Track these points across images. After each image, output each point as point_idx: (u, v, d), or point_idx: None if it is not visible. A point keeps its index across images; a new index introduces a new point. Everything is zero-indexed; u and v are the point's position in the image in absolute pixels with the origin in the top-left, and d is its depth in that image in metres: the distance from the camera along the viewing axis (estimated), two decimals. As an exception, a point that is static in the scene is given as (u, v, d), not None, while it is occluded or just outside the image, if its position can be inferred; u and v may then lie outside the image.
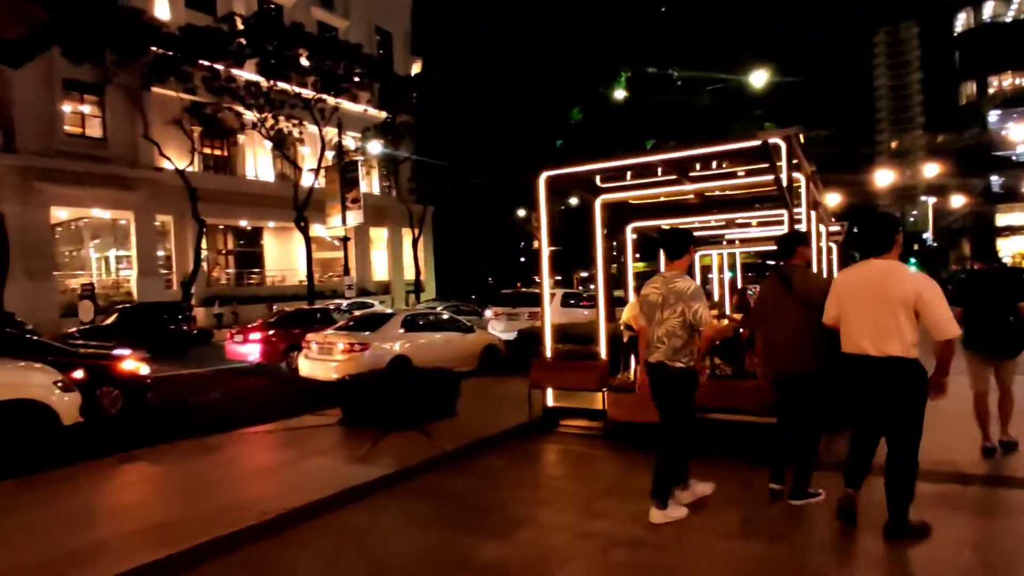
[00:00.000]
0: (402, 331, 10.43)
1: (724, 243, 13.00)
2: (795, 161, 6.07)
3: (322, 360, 9.99)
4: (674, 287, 3.97)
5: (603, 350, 7.14)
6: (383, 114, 30.20)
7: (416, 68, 39.72)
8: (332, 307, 16.33)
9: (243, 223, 31.24)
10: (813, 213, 7.57)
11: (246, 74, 24.60)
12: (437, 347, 10.78)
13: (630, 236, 8.59)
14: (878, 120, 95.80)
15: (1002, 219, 48.13)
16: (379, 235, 37.39)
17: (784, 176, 5.40)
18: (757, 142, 5.08)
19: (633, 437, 5.77)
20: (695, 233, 11.59)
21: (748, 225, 10.66)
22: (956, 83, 61.34)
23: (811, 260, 4.97)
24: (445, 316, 12.21)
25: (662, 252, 5.22)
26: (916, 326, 3.51)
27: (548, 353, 6.65)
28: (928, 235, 57.38)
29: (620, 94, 28.43)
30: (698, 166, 6.52)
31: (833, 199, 23.27)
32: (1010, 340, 4.87)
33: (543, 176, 6.49)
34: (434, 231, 39.96)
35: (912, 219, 75.63)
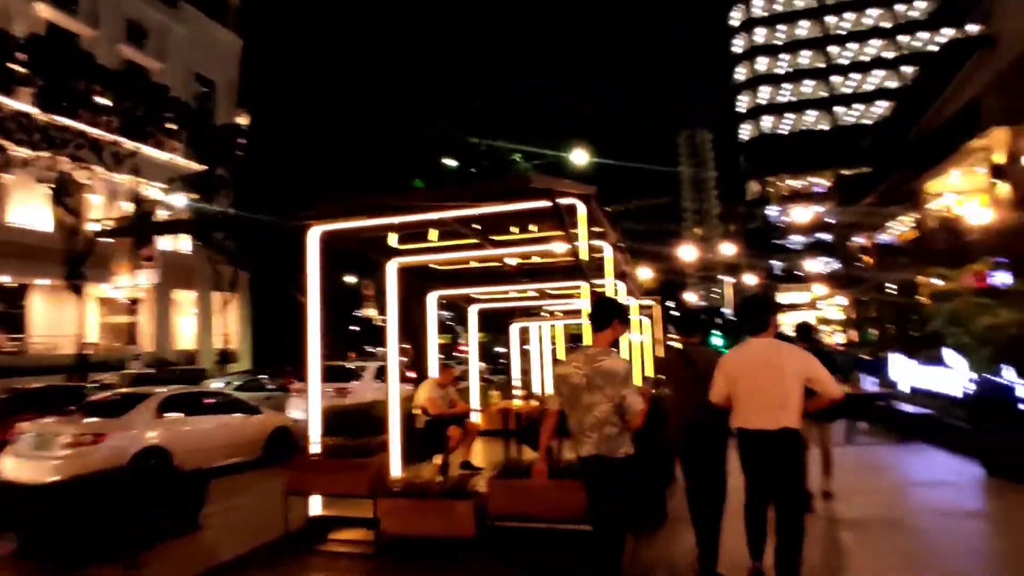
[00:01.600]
0: (158, 415, 8.41)
1: (547, 315, 12.69)
2: (598, 229, 5.65)
3: (36, 458, 7.61)
4: (600, 367, 3.35)
5: (396, 438, 6.03)
6: (194, 165, 27.33)
7: (243, 120, 37.14)
8: (99, 383, 13.32)
9: (4, 278, 25.81)
10: (621, 284, 7.31)
11: (17, 104, 20.83)
12: (207, 434, 8.89)
13: (432, 305, 7.70)
14: (684, 209, 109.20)
15: (783, 296, 55.59)
16: (187, 298, 33.15)
17: (582, 241, 4.85)
18: (548, 202, 4.43)
19: (417, 555, 4.66)
20: (513, 304, 11.21)
21: (573, 296, 10.35)
22: (743, 181, 71.70)
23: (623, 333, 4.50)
24: (222, 395, 10.27)
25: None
26: (803, 397, 3.74)
27: (316, 447, 5.34)
28: (728, 310, 64.54)
29: (452, 162, 28.59)
30: (484, 227, 5.86)
31: (645, 273, 24.82)
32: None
33: (314, 232, 5.40)
34: (253, 295, 36.38)
35: (716, 295, 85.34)
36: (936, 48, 45.54)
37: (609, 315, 3.52)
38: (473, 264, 7.82)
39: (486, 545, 4.53)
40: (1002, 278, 21.35)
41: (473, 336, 10.07)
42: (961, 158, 21.93)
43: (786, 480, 3.75)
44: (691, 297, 53.17)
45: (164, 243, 28.17)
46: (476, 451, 8.26)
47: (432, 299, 7.70)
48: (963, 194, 26.46)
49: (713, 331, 55.95)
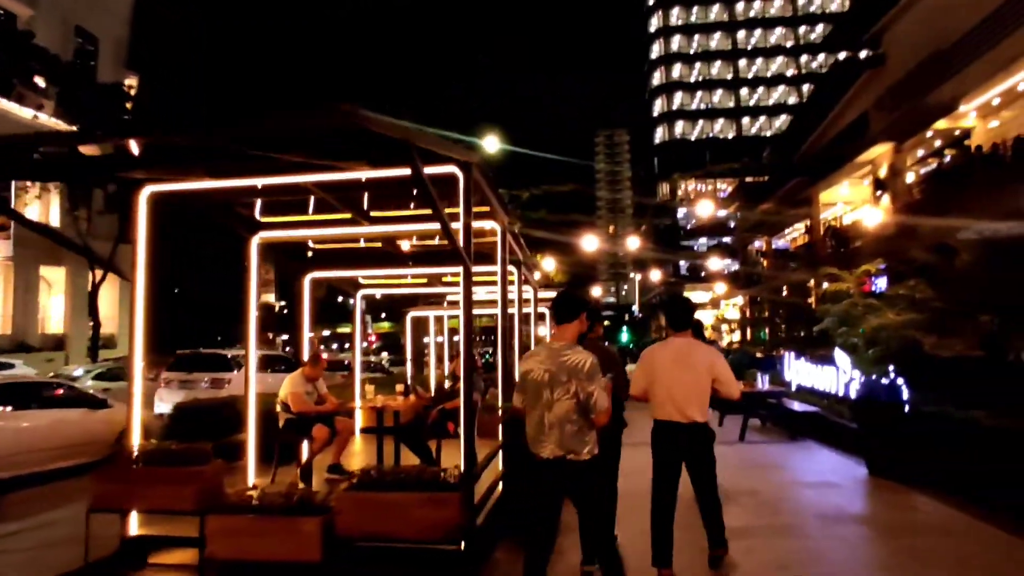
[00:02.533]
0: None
1: (445, 303, 12.02)
2: (484, 208, 5.05)
3: None
4: (565, 361, 3.17)
5: (252, 440, 5.19)
6: (63, 125, 24.35)
7: (131, 82, 33.65)
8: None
9: None
10: (515, 271, 6.77)
11: None
12: (34, 433, 7.56)
13: (308, 288, 6.84)
14: (598, 207, 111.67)
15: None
16: (56, 276, 29.70)
17: (461, 219, 4.22)
18: (407, 169, 3.68)
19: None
20: (409, 292, 10.47)
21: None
22: (655, 182, 74.05)
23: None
24: (63, 386, 8.87)
25: None
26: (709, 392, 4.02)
27: (132, 449, 4.41)
28: (635, 307, 66.47)
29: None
30: (365, 199, 5.14)
31: (549, 264, 24.58)
32: None
33: (146, 192, 4.46)
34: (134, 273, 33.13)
35: (624, 292, 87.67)
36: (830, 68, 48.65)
37: (576, 307, 3.35)
38: (362, 245, 7.05)
39: (335, 572, 3.83)
40: (882, 283, 22.98)
41: (359, 324, 9.26)
42: (850, 170, 23.29)
43: (700, 468, 4.08)
44: (596, 292, 54.22)
45: (31, 211, 25.05)
46: (358, 453, 7.51)
47: (307, 281, 6.83)
48: (850, 204, 28.30)
49: (623, 327, 57.41)
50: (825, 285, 23.00)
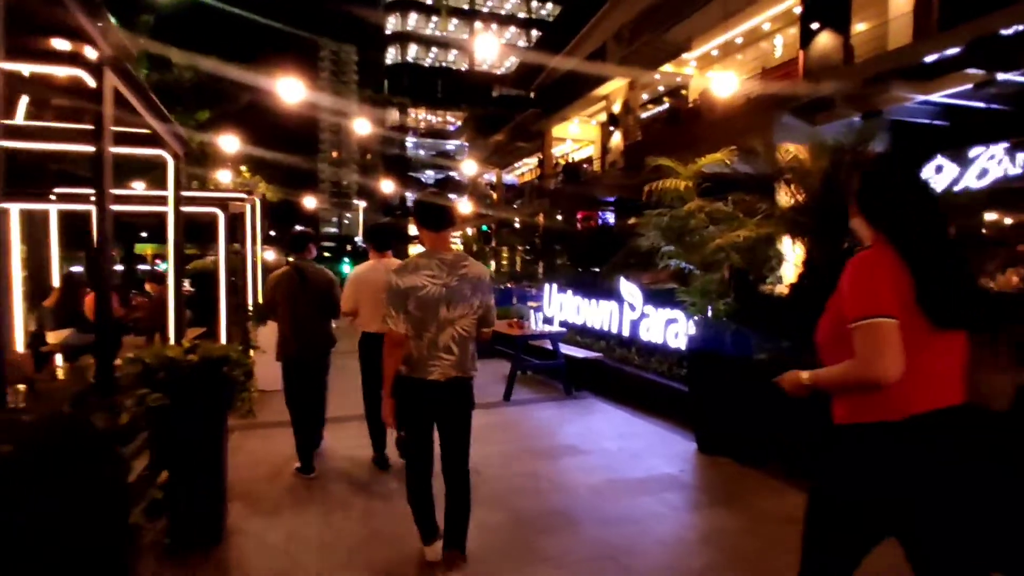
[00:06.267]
0: None
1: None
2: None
3: None
4: (467, 273, 2.89)
5: None
6: None
7: None
8: None
9: None
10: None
11: None
12: None
13: None
14: (322, 130, 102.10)
15: (414, 229, 56.23)
16: None
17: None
18: None
19: None
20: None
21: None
22: (385, 106, 69.69)
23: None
24: None
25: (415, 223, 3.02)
26: None
27: None
28: (359, 238, 62.60)
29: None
30: None
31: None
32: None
33: None
34: None
35: (347, 222, 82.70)
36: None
37: (451, 215, 2.99)
38: None
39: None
40: (610, 217, 23.78)
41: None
42: (585, 104, 23.17)
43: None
44: (311, 203, 49.22)
45: None
46: None
47: None
48: (579, 142, 28.95)
49: (344, 257, 53.35)
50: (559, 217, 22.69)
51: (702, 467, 4.46)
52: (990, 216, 12.00)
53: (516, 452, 4.84)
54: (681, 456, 4.65)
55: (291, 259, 4.54)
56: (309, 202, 23.68)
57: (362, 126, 10.94)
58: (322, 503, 3.84)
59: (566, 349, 7.04)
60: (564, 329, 6.91)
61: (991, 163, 10.54)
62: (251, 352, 7.37)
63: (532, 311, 6.98)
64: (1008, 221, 11.91)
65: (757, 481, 4.15)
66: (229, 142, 9.68)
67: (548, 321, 7.99)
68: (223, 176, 12.48)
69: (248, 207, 7.93)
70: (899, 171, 1.72)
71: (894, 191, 1.69)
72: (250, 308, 7.67)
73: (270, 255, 15.63)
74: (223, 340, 6.47)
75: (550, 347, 6.94)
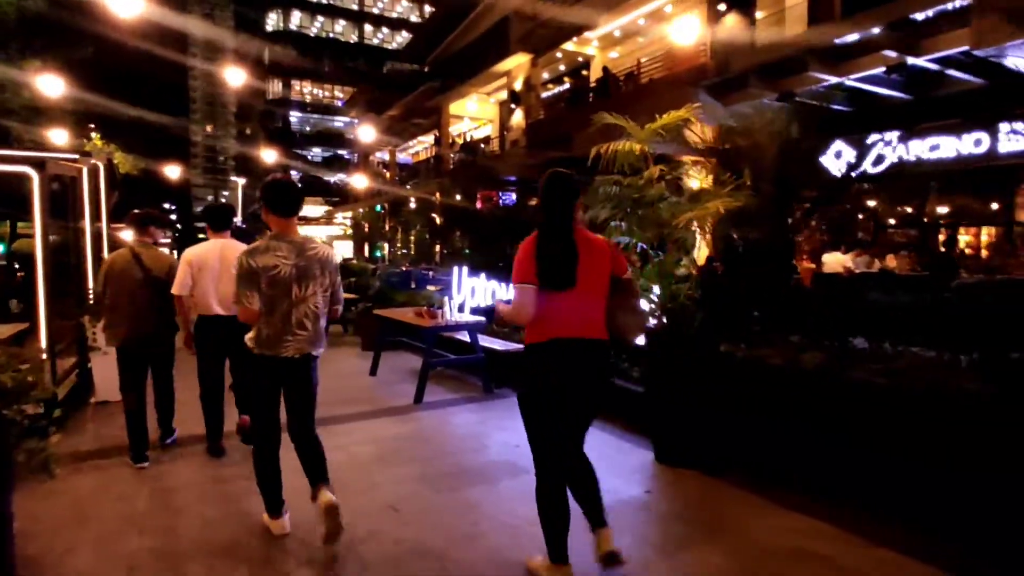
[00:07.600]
0: None
1: None
2: None
3: None
4: (316, 254, 3.08)
5: None
6: None
7: None
8: None
9: None
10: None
11: None
12: None
13: None
14: (194, 100, 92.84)
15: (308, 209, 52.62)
16: None
17: None
18: None
19: None
20: None
21: None
22: (265, 78, 64.41)
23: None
24: None
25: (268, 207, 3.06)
26: None
27: None
28: (238, 218, 57.87)
29: None
30: None
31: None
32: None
33: None
34: None
35: (224, 199, 76.19)
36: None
37: (299, 201, 3.12)
38: None
39: None
40: (512, 197, 23.02)
41: None
42: (486, 80, 22.18)
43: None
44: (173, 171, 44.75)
45: None
46: None
47: None
48: (477, 121, 27.93)
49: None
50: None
51: (669, 484, 3.75)
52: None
53: (440, 475, 3.89)
54: (640, 471, 3.93)
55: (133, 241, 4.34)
56: (173, 172, 20.86)
57: (236, 76, 9.31)
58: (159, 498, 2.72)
59: (484, 341, 6.15)
60: (484, 319, 5.99)
61: (887, 149, 10.87)
62: (88, 355, 5.80)
63: (446, 299, 5.99)
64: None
65: (735, 499, 3.50)
66: (52, 84, 7.70)
67: (461, 308, 7.05)
68: (58, 137, 10.28)
69: (85, 171, 6.28)
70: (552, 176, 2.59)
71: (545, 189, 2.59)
72: (90, 298, 6.09)
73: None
74: (43, 341, 4.96)
75: (465, 339, 6.00)
